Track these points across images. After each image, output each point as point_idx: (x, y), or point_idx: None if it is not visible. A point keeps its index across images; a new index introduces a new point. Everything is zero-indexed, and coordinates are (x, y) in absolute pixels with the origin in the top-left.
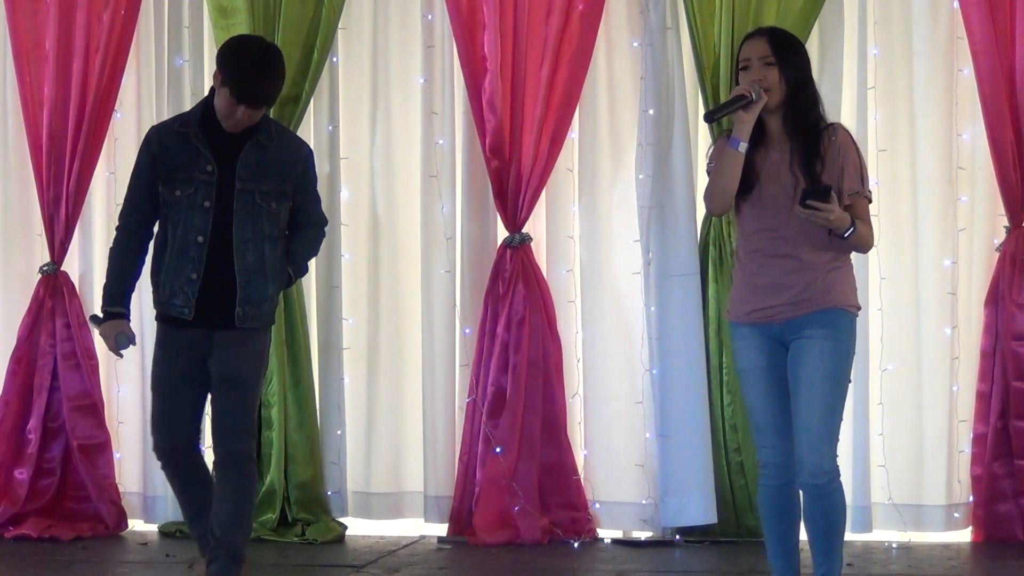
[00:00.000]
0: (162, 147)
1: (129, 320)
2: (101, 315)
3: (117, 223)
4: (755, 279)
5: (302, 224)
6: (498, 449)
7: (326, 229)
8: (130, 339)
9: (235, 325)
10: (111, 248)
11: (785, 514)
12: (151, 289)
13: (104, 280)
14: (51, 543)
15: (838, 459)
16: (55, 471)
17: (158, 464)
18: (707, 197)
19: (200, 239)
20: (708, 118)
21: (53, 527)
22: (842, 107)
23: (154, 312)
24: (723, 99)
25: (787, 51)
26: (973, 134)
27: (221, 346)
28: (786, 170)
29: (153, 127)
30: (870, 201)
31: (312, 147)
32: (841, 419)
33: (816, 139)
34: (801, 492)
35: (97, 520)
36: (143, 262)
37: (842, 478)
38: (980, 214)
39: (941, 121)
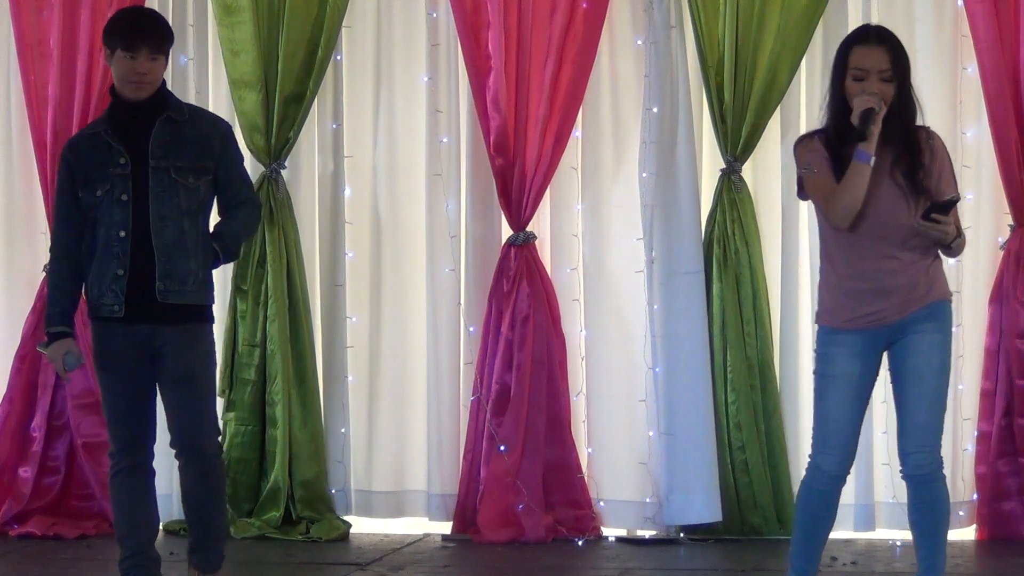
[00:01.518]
0: (76, 154)
1: (75, 338)
2: (46, 339)
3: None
4: (854, 284)
5: (231, 204)
6: (502, 447)
7: (260, 212)
8: (78, 358)
9: (175, 316)
10: (47, 271)
11: (822, 520)
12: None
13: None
14: (55, 541)
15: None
16: (59, 469)
17: (161, 461)
18: (832, 212)
19: (122, 234)
20: (860, 137)
21: (57, 525)
22: None
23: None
24: (728, 97)
25: (903, 63)
26: (977, 132)
27: (170, 345)
28: (885, 174)
29: (67, 141)
30: (959, 199)
31: (316, 145)
32: (946, 410)
33: (916, 145)
34: (905, 484)
35: (101, 518)
36: (82, 278)
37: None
38: (984, 212)
39: (945, 119)
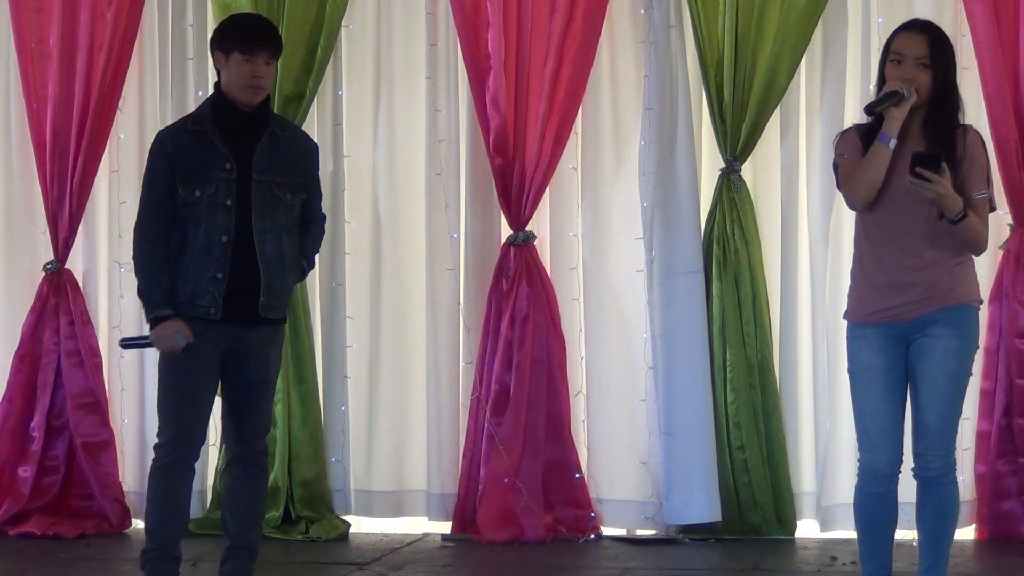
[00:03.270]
0: (177, 148)
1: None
2: (133, 335)
3: (136, 232)
4: (878, 278)
5: (309, 220)
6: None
7: (325, 226)
8: (187, 337)
9: (261, 319)
10: (137, 259)
11: (882, 524)
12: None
13: (140, 293)
14: (55, 540)
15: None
16: (59, 469)
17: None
18: (849, 191)
19: (224, 239)
20: (868, 111)
21: (57, 525)
22: (846, 104)
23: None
24: (727, 96)
25: (943, 54)
26: None
27: (256, 345)
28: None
29: (163, 130)
30: (993, 208)
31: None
32: (960, 413)
33: (951, 142)
34: (916, 483)
35: (101, 517)
36: (170, 266)
37: (843, 476)
38: None
39: None
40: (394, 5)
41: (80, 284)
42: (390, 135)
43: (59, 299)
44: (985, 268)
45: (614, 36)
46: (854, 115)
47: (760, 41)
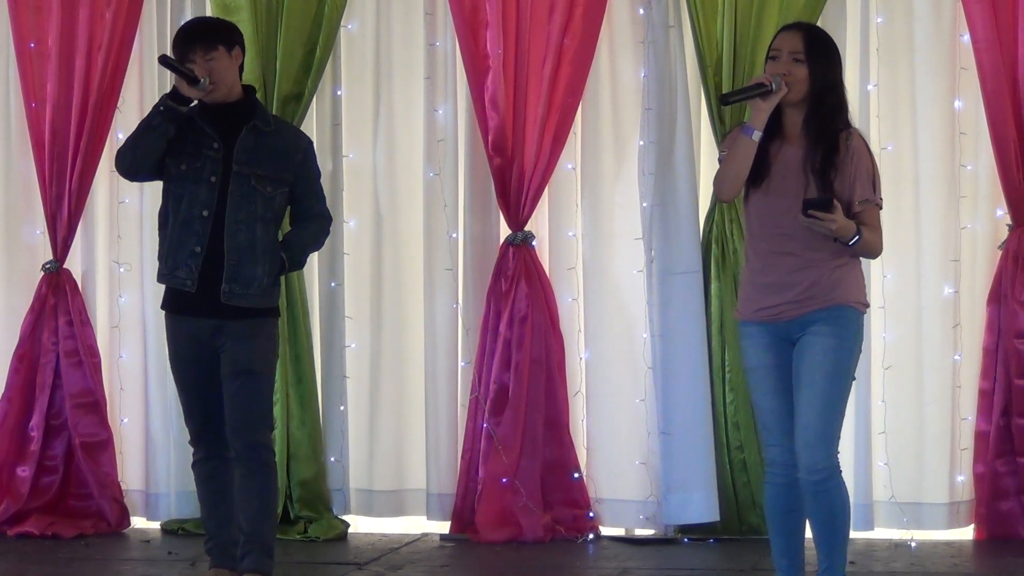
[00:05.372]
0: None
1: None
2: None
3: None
4: (760, 277)
5: (304, 217)
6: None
7: (330, 227)
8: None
9: (240, 310)
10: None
11: (790, 512)
12: (157, 270)
13: (138, 127)
14: (53, 540)
15: (839, 456)
16: (57, 468)
17: (160, 461)
18: (716, 182)
19: (205, 213)
20: (724, 100)
21: (55, 524)
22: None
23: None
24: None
25: (819, 51)
26: (976, 132)
27: (231, 338)
28: (798, 169)
29: None
30: (880, 208)
31: (315, 145)
32: (842, 416)
33: (834, 144)
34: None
35: (99, 517)
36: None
37: (845, 476)
38: (983, 212)
39: (944, 119)
40: (393, 5)
41: (79, 284)
42: (389, 135)
43: (58, 299)
44: (983, 268)
45: (613, 36)
46: (852, 116)
47: (759, 41)
